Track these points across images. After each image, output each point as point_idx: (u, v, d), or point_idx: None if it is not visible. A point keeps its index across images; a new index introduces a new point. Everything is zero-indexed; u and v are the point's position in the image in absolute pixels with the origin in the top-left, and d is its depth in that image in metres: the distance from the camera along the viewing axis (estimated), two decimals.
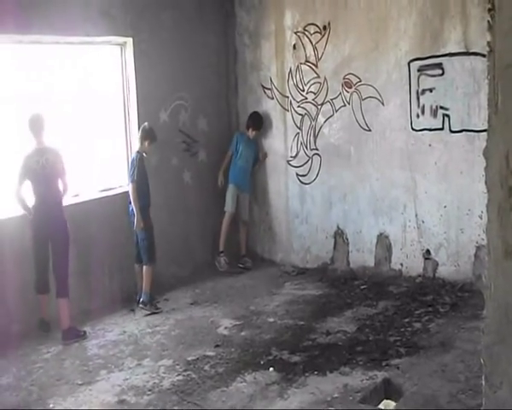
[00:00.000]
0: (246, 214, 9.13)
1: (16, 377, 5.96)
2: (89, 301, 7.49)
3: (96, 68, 7.98)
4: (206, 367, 5.88)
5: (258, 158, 9.13)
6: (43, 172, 6.53)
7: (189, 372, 5.80)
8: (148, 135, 7.53)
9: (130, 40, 8.01)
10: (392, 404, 5.20)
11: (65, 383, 5.76)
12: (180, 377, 5.71)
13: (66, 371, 6.02)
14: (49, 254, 6.73)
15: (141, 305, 7.48)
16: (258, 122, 9.00)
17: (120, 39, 8.00)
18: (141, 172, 7.41)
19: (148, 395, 5.44)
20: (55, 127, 7.34)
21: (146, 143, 7.52)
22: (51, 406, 5.36)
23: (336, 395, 5.14)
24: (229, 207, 8.89)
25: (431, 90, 7.47)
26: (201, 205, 8.93)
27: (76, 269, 7.33)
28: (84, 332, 6.91)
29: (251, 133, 8.96)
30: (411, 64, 7.57)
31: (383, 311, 6.97)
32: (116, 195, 7.82)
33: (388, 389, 5.29)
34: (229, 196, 8.91)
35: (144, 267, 7.53)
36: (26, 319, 6.79)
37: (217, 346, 6.37)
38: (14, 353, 6.39)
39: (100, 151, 7.97)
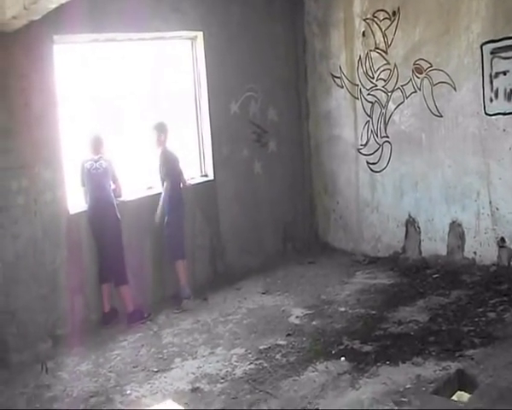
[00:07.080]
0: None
1: (95, 363, 6.22)
2: (163, 290, 7.71)
3: (168, 63, 8.15)
4: (278, 356, 5.95)
5: None
6: (97, 173, 7.07)
7: (260, 361, 5.89)
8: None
9: (200, 34, 8.15)
10: (466, 396, 5.10)
11: (141, 371, 5.97)
12: (252, 366, 5.81)
13: (143, 359, 6.23)
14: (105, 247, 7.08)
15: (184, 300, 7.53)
16: None
17: (191, 34, 8.15)
18: None
19: (221, 383, 5.55)
20: (129, 123, 7.59)
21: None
22: (128, 392, 5.57)
23: (409, 386, 5.10)
24: None
25: (505, 73, 7.21)
26: (272, 195, 9.00)
27: (150, 259, 7.58)
28: (149, 314, 7.17)
29: None
30: (484, 47, 7.34)
31: (456, 300, 6.85)
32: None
33: (462, 381, 5.19)
34: None
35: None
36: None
37: (288, 335, 6.43)
38: (93, 340, 6.67)
39: (172, 144, 8.13)
